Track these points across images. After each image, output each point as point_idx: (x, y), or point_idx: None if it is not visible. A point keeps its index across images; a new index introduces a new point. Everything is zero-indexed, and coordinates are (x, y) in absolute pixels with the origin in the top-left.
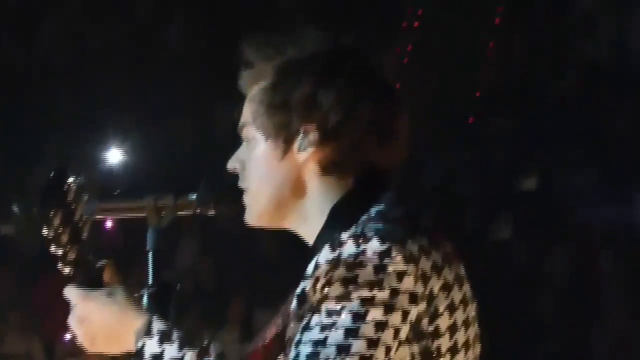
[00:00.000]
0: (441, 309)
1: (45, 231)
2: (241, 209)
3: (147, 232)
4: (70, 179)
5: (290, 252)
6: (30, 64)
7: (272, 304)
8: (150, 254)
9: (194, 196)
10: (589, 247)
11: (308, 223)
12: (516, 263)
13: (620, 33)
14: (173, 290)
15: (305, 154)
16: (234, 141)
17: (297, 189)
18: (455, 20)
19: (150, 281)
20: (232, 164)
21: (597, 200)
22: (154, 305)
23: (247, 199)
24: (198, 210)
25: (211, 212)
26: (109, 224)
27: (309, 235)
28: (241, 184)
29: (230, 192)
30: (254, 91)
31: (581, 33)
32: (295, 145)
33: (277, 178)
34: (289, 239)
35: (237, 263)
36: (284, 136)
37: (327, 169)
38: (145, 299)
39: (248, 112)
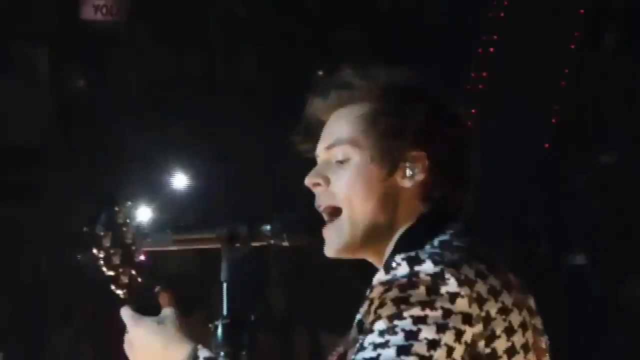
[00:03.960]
0: (498, 331)
1: (95, 252)
2: (315, 239)
3: (221, 263)
4: (121, 204)
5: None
6: (101, 96)
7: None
8: (224, 285)
9: (267, 227)
10: None
11: (385, 252)
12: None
13: None
14: (248, 322)
15: (413, 180)
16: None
17: (392, 212)
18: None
19: (224, 312)
20: (313, 179)
21: None
22: (228, 337)
23: (333, 227)
24: (272, 242)
25: (285, 244)
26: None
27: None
28: (322, 202)
29: (304, 223)
30: (357, 111)
31: None
32: (402, 170)
33: (378, 196)
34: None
35: (312, 294)
36: (393, 160)
37: (430, 198)
38: (219, 331)
39: (348, 131)
